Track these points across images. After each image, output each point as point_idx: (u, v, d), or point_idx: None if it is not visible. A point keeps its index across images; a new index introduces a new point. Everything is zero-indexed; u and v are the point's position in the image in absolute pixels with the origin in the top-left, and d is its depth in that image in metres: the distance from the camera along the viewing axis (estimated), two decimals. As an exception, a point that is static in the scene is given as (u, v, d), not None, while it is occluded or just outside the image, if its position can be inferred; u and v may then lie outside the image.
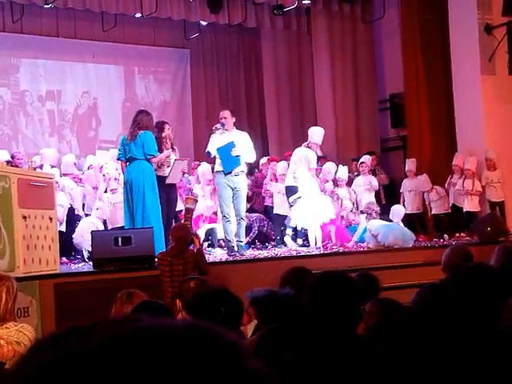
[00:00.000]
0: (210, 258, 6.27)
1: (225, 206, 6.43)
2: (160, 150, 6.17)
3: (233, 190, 6.39)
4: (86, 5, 9.21)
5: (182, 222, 6.28)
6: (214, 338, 0.49)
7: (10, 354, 2.40)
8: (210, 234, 7.31)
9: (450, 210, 8.53)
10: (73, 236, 6.96)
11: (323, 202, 7.33)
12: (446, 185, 8.61)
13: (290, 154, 9.56)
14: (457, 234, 8.03)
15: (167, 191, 6.28)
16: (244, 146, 6.44)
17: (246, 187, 6.69)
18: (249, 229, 7.65)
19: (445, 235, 8.03)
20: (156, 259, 5.14)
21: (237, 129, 6.69)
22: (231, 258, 6.31)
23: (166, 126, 6.34)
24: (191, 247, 5.13)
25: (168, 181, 6.20)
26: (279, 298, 2.81)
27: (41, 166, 7.68)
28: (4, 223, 4.70)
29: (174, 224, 6.14)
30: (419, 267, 6.18)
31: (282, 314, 2.59)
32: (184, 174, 6.61)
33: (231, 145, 6.32)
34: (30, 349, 0.50)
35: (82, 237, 6.81)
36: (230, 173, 6.34)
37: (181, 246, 4.96)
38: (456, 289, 2.33)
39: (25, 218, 4.93)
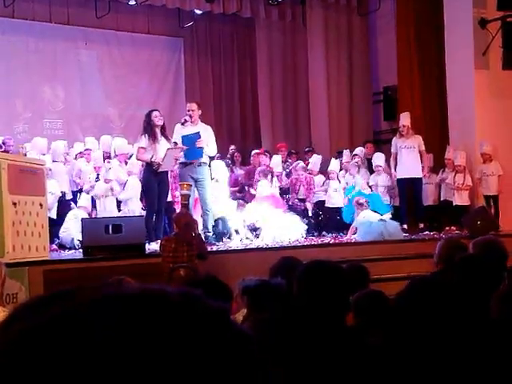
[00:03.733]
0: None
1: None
2: (153, 137, 6.15)
3: (196, 181, 6.37)
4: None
5: (180, 208, 6.28)
6: (202, 303, 0.49)
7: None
8: (217, 224, 7.21)
9: (437, 203, 8.55)
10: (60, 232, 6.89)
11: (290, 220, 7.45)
12: (437, 179, 8.62)
13: (283, 146, 9.58)
14: (447, 228, 8.05)
15: (159, 178, 6.26)
16: (206, 140, 6.44)
17: (209, 178, 6.68)
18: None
19: (420, 225, 7.96)
20: (159, 245, 5.12)
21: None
22: (218, 247, 6.31)
23: (153, 114, 6.29)
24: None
25: (161, 169, 6.18)
26: (271, 287, 2.81)
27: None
28: (-6, 209, 4.66)
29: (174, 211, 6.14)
30: (410, 260, 6.20)
31: (272, 304, 2.59)
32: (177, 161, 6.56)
33: (197, 136, 6.33)
34: (9, 315, 0.48)
35: (67, 231, 6.81)
36: (192, 163, 6.34)
37: (186, 232, 4.99)
38: (449, 279, 2.35)
39: (15, 204, 4.90)
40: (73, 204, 7.60)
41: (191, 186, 6.30)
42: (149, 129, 6.19)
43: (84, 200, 7.31)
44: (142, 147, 6.26)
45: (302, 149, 10.05)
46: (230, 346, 0.47)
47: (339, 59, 10.79)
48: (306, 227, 7.70)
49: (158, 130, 6.22)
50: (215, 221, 7.06)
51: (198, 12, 10.49)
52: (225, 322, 0.49)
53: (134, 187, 7.31)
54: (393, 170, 8.14)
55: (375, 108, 10.90)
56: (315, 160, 8.76)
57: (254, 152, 9.09)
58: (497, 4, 8.37)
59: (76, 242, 6.64)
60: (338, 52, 10.79)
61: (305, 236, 7.48)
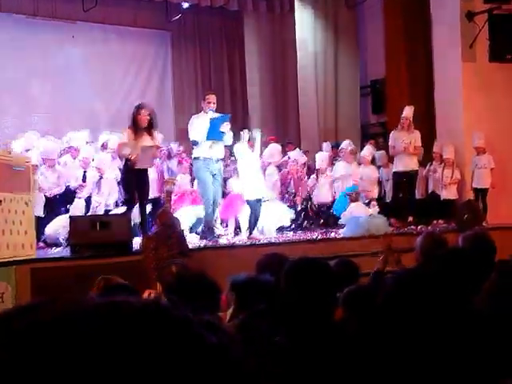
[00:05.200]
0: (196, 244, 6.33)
1: (206, 191, 6.40)
2: (136, 133, 6.09)
3: (213, 175, 6.37)
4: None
5: (164, 205, 6.25)
6: (165, 314, 0.50)
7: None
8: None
9: (425, 196, 8.57)
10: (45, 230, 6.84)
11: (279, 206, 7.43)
12: (425, 172, 8.64)
13: (273, 138, 9.56)
14: (434, 221, 8.08)
15: (137, 175, 6.16)
16: (227, 128, 6.45)
17: (222, 174, 6.71)
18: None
19: (409, 218, 7.97)
20: (140, 244, 5.10)
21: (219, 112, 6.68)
22: (207, 244, 6.29)
23: (142, 111, 6.19)
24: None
25: (137, 166, 6.08)
26: (259, 283, 2.80)
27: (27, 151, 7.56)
28: (-22, 207, 4.61)
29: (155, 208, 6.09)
30: (398, 253, 6.21)
31: (261, 300, 2.58)
32: (156, 159, 6.47)
33: (226, 118, 6.34)
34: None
35: (55, 230, 6.76)
36: (211, 158, 6.32)
37: (167, 230, 4.97)
38: (431, 273, 2.35)
39: (0, 201, 4.84)
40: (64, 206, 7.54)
41: (174, 183, 6.21)
42: (133, 124, 6.13)
43: (77, 209, 7.19)
44: (122, 142, 6.21)
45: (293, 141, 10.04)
46: (193, 359, 0.47)
47: (327, 51, 10.78)
48: (293, 216, 7.71)
49: (142, 127, 6.14)
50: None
51: (186, 5, 10.41)
52: (189, 333, 0.49)
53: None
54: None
55: (363, 101, 10.90)
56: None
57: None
58: (484, -4, 8.40)
59: (61, 239, 6.59)
60: (326, 44, 10.77)
61: (290, 224, 7.49)
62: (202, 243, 6.43)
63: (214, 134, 6.27)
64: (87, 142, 8.40)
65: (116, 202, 7.53)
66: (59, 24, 9.95)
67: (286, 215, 7.63)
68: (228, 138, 6.50)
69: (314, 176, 8.66)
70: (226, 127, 6.35)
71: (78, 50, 10.32)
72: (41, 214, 6.85)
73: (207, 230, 6.56)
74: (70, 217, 5.98)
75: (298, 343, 1.87)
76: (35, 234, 5.50)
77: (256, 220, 6.83)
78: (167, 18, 10.80)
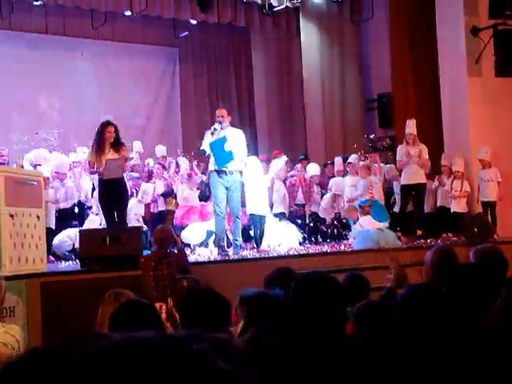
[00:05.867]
0: (205, 258, 6.39)
1: (219, 205, 6.43)
2: (100, 150, 6.10)
3: (227, 188, 6.40)
4: (76, 2, 9.17)
5: (164, 224, 6.24)
6: (182, 348, 0.53)
7: (-4, 355, 2.36)
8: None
9: (433, 210, 8.57)
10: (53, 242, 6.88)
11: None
12: (433, 186, 8.65)
13: (279, 153, 9.62)
14: (444, 235, 8.07)
15: (112, 189, 6.12)
16: (236, 143, 6.43)
17: (239, 186, 6.66)
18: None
19: (419, 231, 7.96)
20: (139, 263, 5.07)
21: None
22: (220, 258, 6.31)
23: (107, 129, 6.14)
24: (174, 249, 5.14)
25: (105, 177, 6.09)
26: (269, 298, 2.82)
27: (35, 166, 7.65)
28: (-9, 221, 4.66)
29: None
30: (408, 267, 6.20)
31: (270, 315, 2.60)
32: (124, 171, 6.47)
33: (223, 139, 6.32)
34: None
35: (62, 241, 6.82)
36: (224, 171, 6.35)
37: (163, 249, 4.97)
38: (444, 288, 2.36)
39: (12, 216, 4.89)
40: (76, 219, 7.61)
41: (178, 203, 6.24)
42: (97, 142, 6.15)
43: (92, 223, 7.24)
44: (90, 160, 6.30)
45: (298, 157, 10.09)
46: None
47: (333, 67, 10.87)
48: (302, 236, 7.73)
49: (107, 144, 6.17)
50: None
51: (193, 22, 10.55)
52: (209, 365, 0.52)
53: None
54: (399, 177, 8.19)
55: (369, 115, 10.96)
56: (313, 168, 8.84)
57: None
58: (488, 12, 8.45)
59: (65, 251, 6.66)
60: (332, 60, 10.86)
61: (301, 242, 7.50)
62: (212, 257, 6.47)
63: (221, 159, 6.30)
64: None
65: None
66: (68, 41, 10.10)
67: (294, 237, 7.64)
68: (239, 152, 6.46)
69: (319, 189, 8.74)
70: (228, 146, 6.31)
71: (86, 67, 10.45)
72: (52, 225, 6.91)
73: (218, 245, 6.60)
74: (80, 230, 6.03)
75: (307, 358, 1.88)
76: (46, 248, 5.55)
77: (262, 232, 6.86)
78: (175, 35, 10.93)
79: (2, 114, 9.74)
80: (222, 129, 6.45)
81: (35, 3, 9.12)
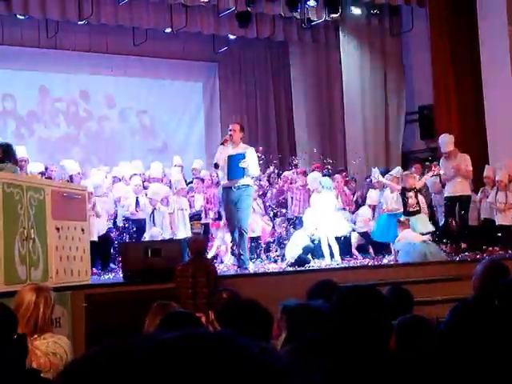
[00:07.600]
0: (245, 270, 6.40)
1: (227, 220, 6.61)
2: None
3: (235, 203, 6.45)
4: (119, 20, 9.41)
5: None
6: (241, 353, 0.53)
7: (47, 365, 2.41)
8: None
9: (477, 224, 8.36)
10: None
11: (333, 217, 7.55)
12: (478, 197, 8.45)
13: (318, 167, 9.56)
14: (490, 248, 7.85)
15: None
16: (249, 161, 6.52)
17: (249, 200, 6.67)
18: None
19: (463, 245, 7.80)
20: (176, 271, 5.14)
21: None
22: (260, 271, 6.32)
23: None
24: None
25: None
26: (311, 309, 2.79)
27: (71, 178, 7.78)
28: (38, 234, 4.79)
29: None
30: (452, 281, 6.07)
31: (312, 326, 2.57)
32: None
33: (242, 156, 6.45)
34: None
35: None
36: (231, 187, 6.45)
37: (200, 257, 5.18)
38: (493, 305, 2.28)
39: (58, 229, 5.02)
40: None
41: (203, 225, 6.39)
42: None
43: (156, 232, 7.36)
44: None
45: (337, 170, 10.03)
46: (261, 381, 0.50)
47: (373, 80, 10.78)
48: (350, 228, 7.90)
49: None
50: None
51: (232, 37, 10.67)
52: (262, 360, 0.52)
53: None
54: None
55: (410, 127, 10.81)
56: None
57: (287, 173, 9.10)
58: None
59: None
60: (372, 73, 10.78)
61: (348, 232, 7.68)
62: (249, 270, 6.47)
63: (234, 173, 6.46)
64: (135, 174, 8.55)
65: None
66: (111, 58, 10.37)
67: (344, 227, 7.73)
68: (252, 170, 6.57)
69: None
70: (244, 163, 6.42)
71: (128, 83, 10.70)
72: (95, 238, 7.06)
73: (236, 259, 6.66)
74: (122, 243, 6.13)
75: (350, 371, 1.86)
76: (90, 260, 5.67)
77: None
78: (214, 50, 11.08)
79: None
80: (233, 143, 6.57)
81: (79, 23, 9.40)
